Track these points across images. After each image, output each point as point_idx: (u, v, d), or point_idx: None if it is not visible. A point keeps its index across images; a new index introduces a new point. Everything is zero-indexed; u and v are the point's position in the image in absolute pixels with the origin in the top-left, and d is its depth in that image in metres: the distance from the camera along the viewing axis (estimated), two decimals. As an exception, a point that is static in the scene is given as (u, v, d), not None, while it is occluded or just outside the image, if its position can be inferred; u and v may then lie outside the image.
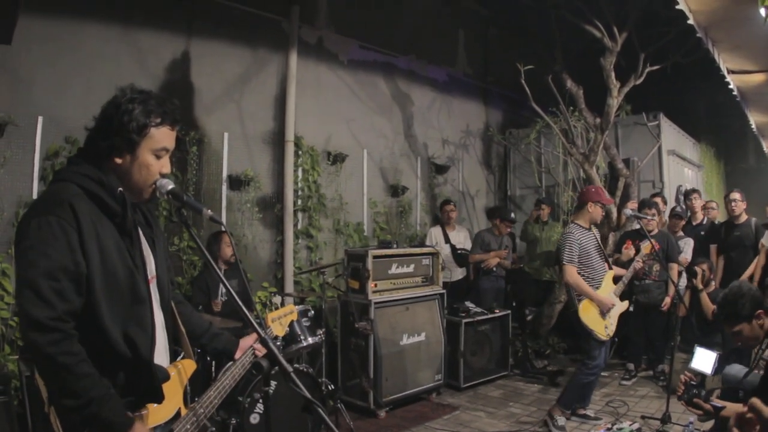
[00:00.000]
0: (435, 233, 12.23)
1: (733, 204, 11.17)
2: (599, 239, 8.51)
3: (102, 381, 2.85)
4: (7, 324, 7.75)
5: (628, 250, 9.48)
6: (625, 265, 9.32)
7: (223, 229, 8.99)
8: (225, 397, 3.53)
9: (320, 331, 7.97)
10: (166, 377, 3.23)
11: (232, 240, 4.46)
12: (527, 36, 14.20)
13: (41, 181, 8.16)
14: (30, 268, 2.79)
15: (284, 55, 11.03)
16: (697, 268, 9.73)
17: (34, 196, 8.03)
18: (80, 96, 8.37)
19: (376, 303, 9.03)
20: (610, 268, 8.49)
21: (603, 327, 8.05)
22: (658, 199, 11.40)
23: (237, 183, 10.26)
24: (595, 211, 8.29)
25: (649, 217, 10.04)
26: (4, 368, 6.98)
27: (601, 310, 8.05)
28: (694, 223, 12.10)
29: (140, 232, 3.29)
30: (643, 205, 10.77)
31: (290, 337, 7.53)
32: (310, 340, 7.73)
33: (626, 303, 8.39)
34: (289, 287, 10.64)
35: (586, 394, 8.59)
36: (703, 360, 5.94)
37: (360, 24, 12.65)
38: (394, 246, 9.82)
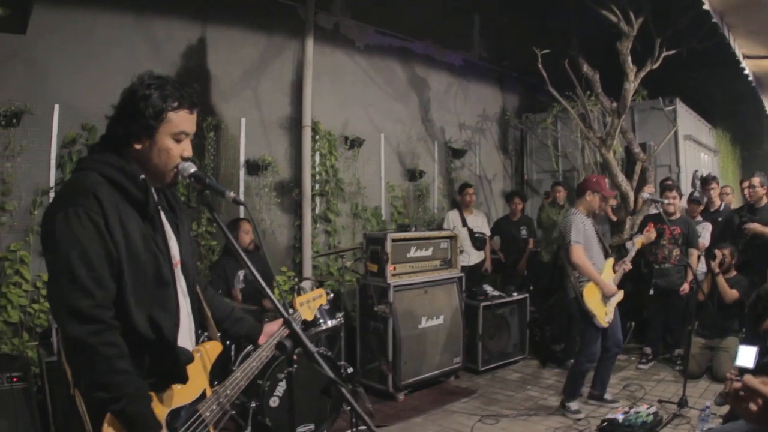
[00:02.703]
0: (453, 217, 12.19)
1: (751, 190, 11.06)
2: (597, 228, 8.48)
3: (137, 380, 2.88)
4: (26, 311, 7.83)
5: (650, 233, 9.46)
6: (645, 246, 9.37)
7: (242, 215, 9.05)
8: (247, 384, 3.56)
9: (339, 315, 7.99)
10: (190, 359, 3.26)
11: (255, 226, 4.40)
12: (543, 20, 14.17)
13: (58, 168, 8.26)
14: (64, 259, 2.80)
15: (300, 41, 11.03)
16: (717, 251, 9.70)
17: (52, 183, 8.15)
18: (96, 83, 8.41)
19: (395, 286, 9.05)
20: (609, 257, 8.47)
21: (604, 313, 8.03)
22: (669, 182, 11.32)
23: (255, 168, 10.31)
24: (593, 200, 8.21)
25: (666, 201, 10.01)
26: (23, 355, 7.03)
27: (604, 295, 8.05)
28: (711, 210, 11.98)
29: (163, 218, 3.29)
30: (664, 188, 10.74)
31: (310, 321, 7.58)
32: (329, 323, 7.76)
33: (622, 292, 8.34)
34: (308, 271, 10.69)
35: (603, 379, 8.57)
36: (745, 356, 5.99)
37: (376, 9, 12.63)
38: (413, 229, 9.83)
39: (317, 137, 11.19)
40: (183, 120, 3.17)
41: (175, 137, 3.15)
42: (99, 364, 2.77)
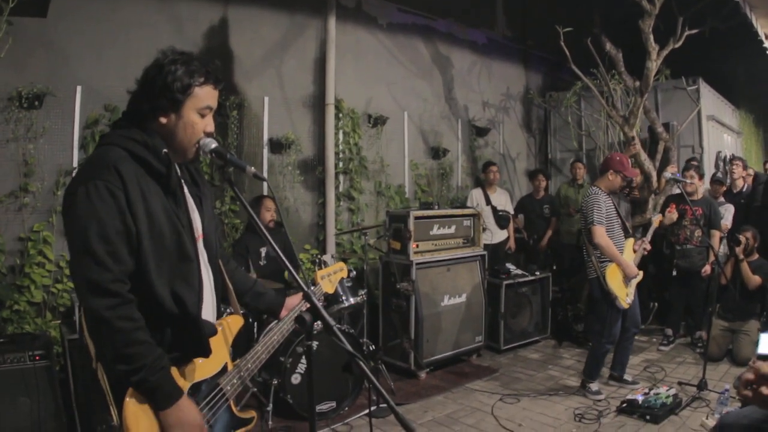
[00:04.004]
0: (476, 195, 12.17)
1: None
2: (618, 207, 8.44)
3: (157, 350, 2.90)
4: (49, 291, 7.94)
5: (672, 213, 9.42)
6: (667, 227, 9.36)
7: (266, 192, 9.06)
8: (268, 357, 3.59)
9: (362, 292, 8.07)
10: (213, 332, 3.28)
11: (278, 203, 4.43)
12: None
13: (81, 149, 8.34)
14: (83, 234, 2.81)
15: (323, 20, 11.06)
16: (741, 236, 9.65)
17: (74, 164, 8.24)
18: (118, 64, 8.50)
19: (417, 264, 9.04)
20: (629, 236, 8.45)
21: (625, 294, 8.02)
22: (695, 162, 11.25)
23: (278, 146, 10.34)
24: (614, 179, 8.17)
25: (688, 181, 9.94)
26: (45, 334, 7.08)
27: (626, 276, 8.03)
28: (734, 191, 11.96)
29: (186, 192, 3.30)
30: (684, 169, 10.68)
31: (332, 298, 7.63)
32: (352, 300, 7.86)
33: (641, 273, 8.32)
34: (331, 249, 10.75)
35: (623, 360, 8.62)
36: None
37: (398, -13, 12.59)
38: (436, 207, 9.81)
39: (340, 115, 11.21)
40: (208, 95, 3.19)
41: (200, 112, 3.17)
42: (117, 337, 2.79)
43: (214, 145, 3.20)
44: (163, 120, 3.13)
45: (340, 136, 11.27)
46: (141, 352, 2.82)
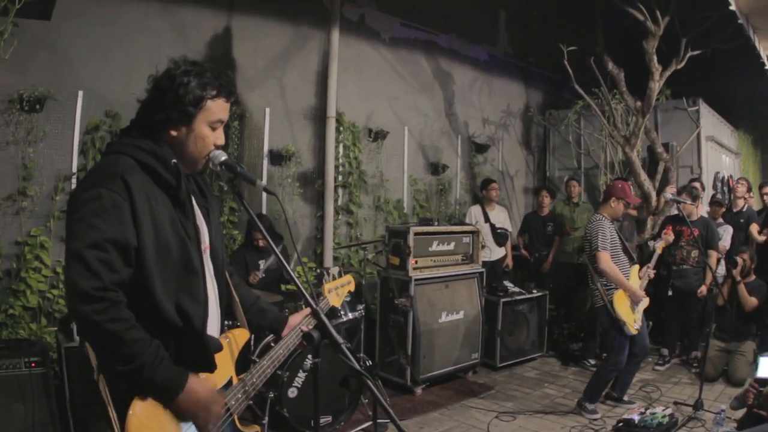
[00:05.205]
0: (475, 212, 12.10)
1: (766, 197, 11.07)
2: (620, 232, 8.42)
3: (152, 344, 2.83)
4: (44, 296, 7.91)
5: (668, 236, 9.41)
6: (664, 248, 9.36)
7: (263, 209, 9.02)
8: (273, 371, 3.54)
9: (360, 307, 8.04)
10: (219, 348, 3.23)
11: (286, 214, 4.42)
12: (568, 17, 14.14)
13: (81, 155, 8.33)
14: (78, 239, 2.76)
15: (326, 32, 11.04)
16: (738, 258, 9.66)
17: (74, 170, 8.23)
18: (121, 71, 8.50)
19: (416, 280, 9.00)
20: (633, 263, 8.42)
21: (633, 320, 7.96)
22: (696, 184, 11.24)
23: (278, 158, 10.34)
24: (617, 207, 8.13)
25: (688, 202, 9.93)
26: (41, 340, 7.05)
27: (633, 301, 7.98)
28: (734, 210, 11.98)
29: (194, 202, 3.26)
30: (678, 192, 10.69)
31: (330, 312, 7.58)
32: (350, 315, 7.83)
33: (648, 299, 8.28)
34: (329, 263, 10.71)
35: (625, 383, 8.61)
36: (767, 367, 5.96)
37: (401, 2, 12.65)
38: (435, 223, 9.77)
39: (341, 128, 11.20)
40: (220, 108, 3.16)
41: (212, 125, 3.14)
42: (110, 339, 2.73)
43: (224, 157, 3.18)
44: (174, 132, 3.09)
45: (341, 149, 11.26)
46: (138, 351, 2.76)
